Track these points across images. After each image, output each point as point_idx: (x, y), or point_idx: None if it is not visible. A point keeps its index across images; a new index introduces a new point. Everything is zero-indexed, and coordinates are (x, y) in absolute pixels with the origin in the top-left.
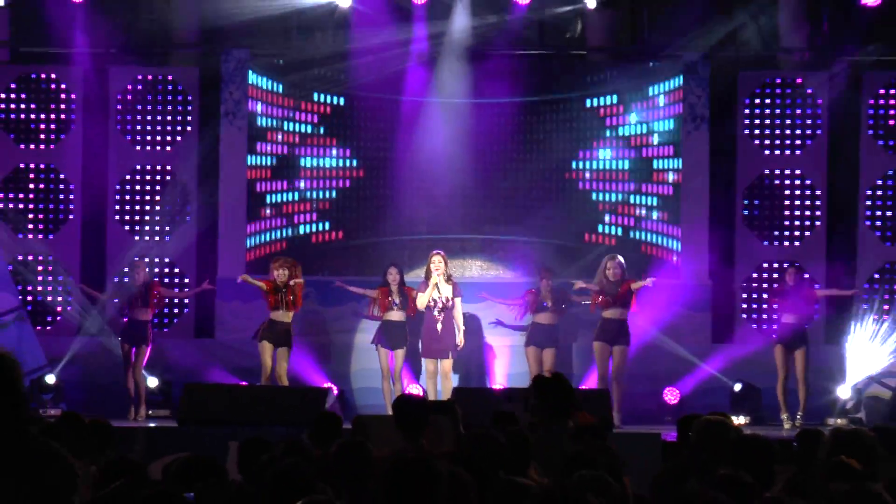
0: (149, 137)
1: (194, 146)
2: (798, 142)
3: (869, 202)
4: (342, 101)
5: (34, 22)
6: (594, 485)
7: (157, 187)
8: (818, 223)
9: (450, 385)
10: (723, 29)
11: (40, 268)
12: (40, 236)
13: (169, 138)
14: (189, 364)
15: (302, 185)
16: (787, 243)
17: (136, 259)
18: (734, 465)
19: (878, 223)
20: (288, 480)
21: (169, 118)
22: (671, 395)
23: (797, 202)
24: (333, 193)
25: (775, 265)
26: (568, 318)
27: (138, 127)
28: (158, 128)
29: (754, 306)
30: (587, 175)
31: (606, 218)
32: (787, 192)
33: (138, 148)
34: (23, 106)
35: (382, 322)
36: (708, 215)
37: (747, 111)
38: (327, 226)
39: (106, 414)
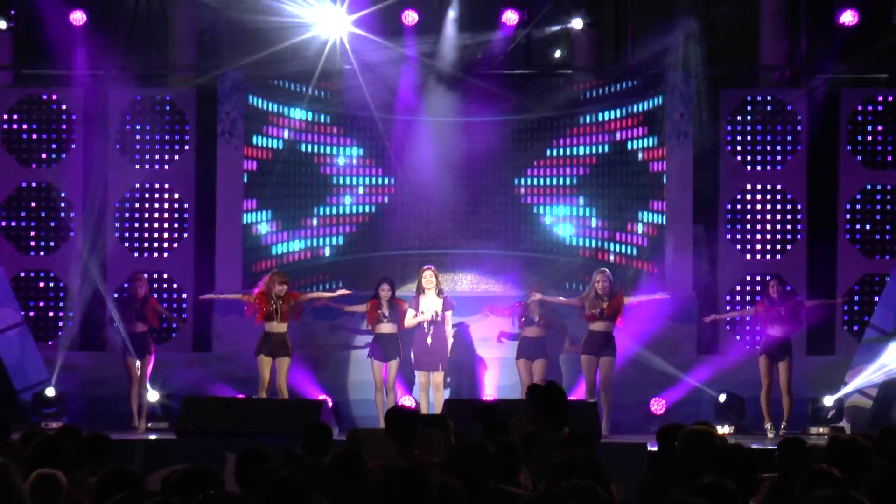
0: (147, 156)
1: (192, 165)
2: (779, 157)
3: (848, 216)
4: (336, 120)
5: (36, 45)
6: (582, 493)
7: (156, 205)
8: (799, 236)
9: (441, 397)
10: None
11: (42, 284)
12: (42, 254)
13: (167, 157)
14: (187, 377)
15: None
16: (769, 256)
17: (137, 272)
18: (718, 473)
19: (858, 236)
20: (284, 490)
21: (167, 137)
22: (657, 406)
23: (779, 216)
24: (328, 210)
25: (758, 277)
26: (558, 329)
27: (137, 146)
28: (157, 147)
29: (738, 318)
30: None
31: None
32: (769, 206)
33: (137, 167)
34: (24, 126)
35: (375, 335)
36: (692, 229)
37: (729, 127)
38: (322, 241)
39: (107, 426)
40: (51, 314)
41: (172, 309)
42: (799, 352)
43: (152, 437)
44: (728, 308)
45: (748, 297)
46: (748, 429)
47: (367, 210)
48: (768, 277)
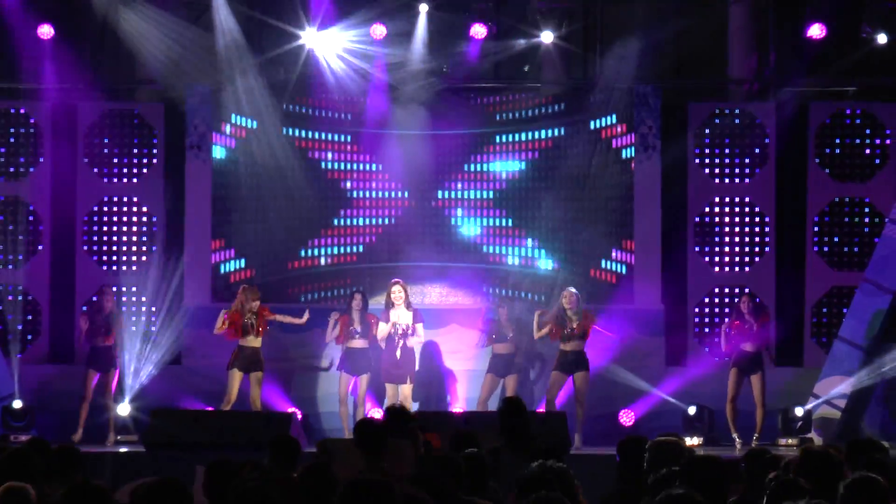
0: (116, 170)
1: (160, 178)
2: (747, 170)
3: (816, 228)
4: (306, 134)
5: (4, 58)
6: None
7: (125, 219)
8: (767, 249)
9: (409, 409)
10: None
11: (10, 297)
12: (10, 267)
13: (136, 171)
14: (156, 390)
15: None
16: (737, 269)
17: (105, 286)
18: (686, 485)
19: (826, 249)
20: (252, 502)
21: (135, 151)
22: (626, 417)
23: (747, 229)
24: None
25: (726, 290)
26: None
27: (105, 160)
28: (125, 160)
29: (706, 330)
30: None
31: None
32: (737, 219)
33: (105, 180)
34: None
35: (346, 349)
36: (660, 242)
37: (697, 140)
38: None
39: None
40: (20, 327)
41: (141, 322)
42: (767, 363)
43: (122, 449)
44: (696, 320)
45: (716, 310)
46: (717, 440)
47: (347, 223)
48: (739, 293)
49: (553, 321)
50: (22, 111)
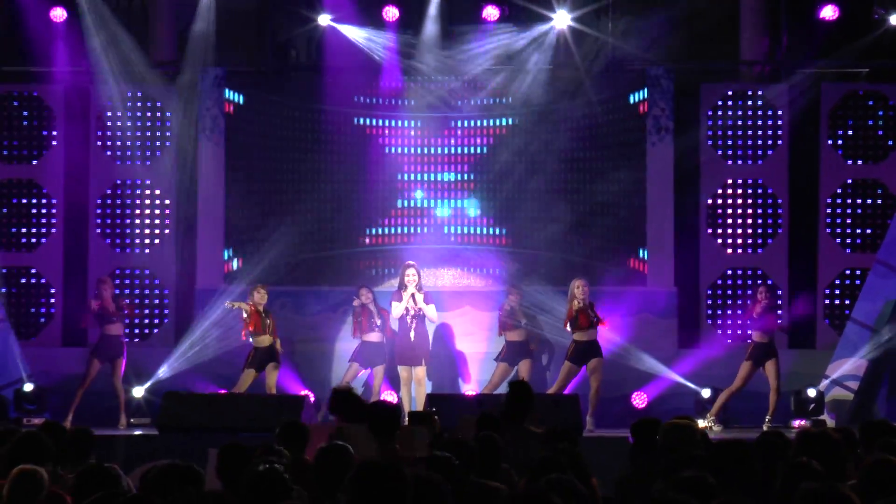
0: (128, 153)
1: (173, 161)
2: (759, 152)
3: (829, 210)
4: (315, 115)
5: (16, 41)
6: (562, 488)
7: (137, 201)
8: (780, 231)
9: (423, 391)
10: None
11: (24, 280)
12: (24, 250)
13: (148, 153)
14: (169, 373)
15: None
16: (749, 251)
17: (102, 276)
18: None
19: (839, 230)
20: (265, 485)
21: (148, 134)
22: (639, 400)
23: (760, 210)
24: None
25: (739, 272)
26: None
27: (118, 143)
28: (138, 143)
29: (719, 312)
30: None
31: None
32: (750, 200)
33: (118, 163)
34: (5, 123)
35: (361, 342)
36: (673, 224)
37: (710, 122)
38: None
39: (89, 422)
40: (32, 310)
41: (154, 305)
42: (780, 346)
43: (135, 432)
44: (709, 301)
45: (729, 292)
46: (729, 422)
47: (348, 205)
48: (752, 274)
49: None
50: (35, 94)
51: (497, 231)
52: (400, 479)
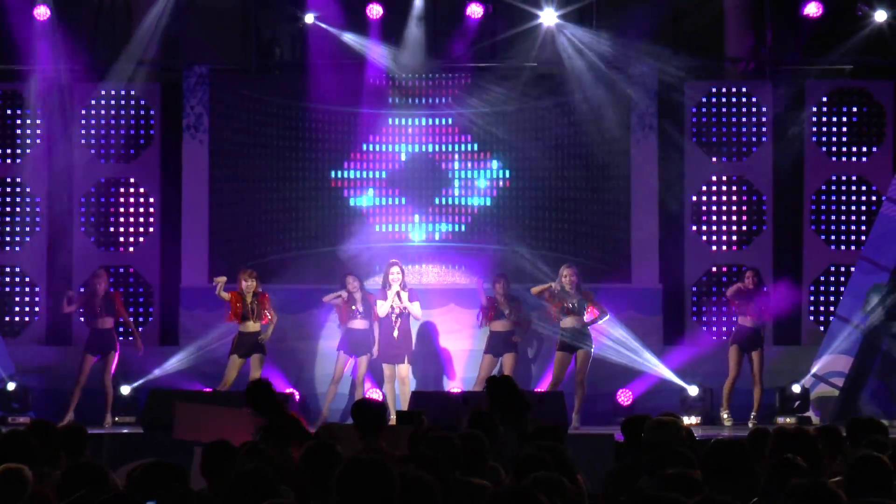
0: (112, 151)
1: (157, 159)
2: (744, 149)
3: (813, 207)
4: (302, 114)
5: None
6: (548, 485)
7: (122, 200)
8: (765, 227)
9: (408, 390)
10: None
11: (7, 279)
12: (7, 249)
13: (132, 151)
14: (154, 371)
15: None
16: (734, 247)
17: (98, 269)
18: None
19: (823, 227)
20: (250, 484)
21: (132, 132)
22: (624, 397)
23: (744, 207)
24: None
25: (724, 269)
26: (524, 323)
27: (102, 141)
28: (122, 141)
29: (704, 308)
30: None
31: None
32: (734, 197)
33: (102, 161)
34: None
35: (346, 330)
36: (658, 221)
37: (694, 120)
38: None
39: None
40: (16, 309)
41: (139, 304)
42: (765, 342)
43: (121, 430)
44: (694, 299)
45: (714, 289)
46: (715, 419)
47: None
48: (745, 268)
49: (551, 296)
50: (19, 92)
51: (479, 228)
52: (386, 476)
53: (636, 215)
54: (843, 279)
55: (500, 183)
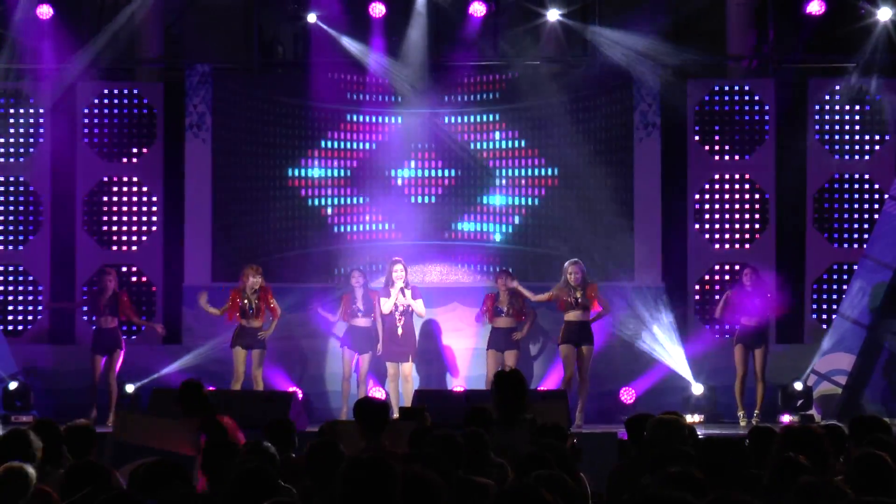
0: (115, 150)
1: (160, 158)
2: (747, 147)
3: (816, 205)
4: (303, 111)
5: (2, 39)
6: (551, 483)
7: (124, 199)
8: (767, 225)
9: (411, 388)
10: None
11: (11, 277)
12: (10, 247)
13: (135, 150)
14: (157, 370)
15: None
16: (737, 245)
17: (106, 266)
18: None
19: (826, 225)
20: (252, 482)
21: (135, 131)
22: (627, 395)
23: (747, 205)
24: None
25: (726, 267)
26: (527, 318)
27: (105, 140)
28: (125, 141)
29: (707, 307)
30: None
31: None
32: (738, 195)
33: (105, 160)
34: None
35: (349, 326)
36: (660, 219)
37: (697, 117)
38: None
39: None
40: (20, 307)
41: (142, 301)
42: (769, 340)
43: None
44: (697, 297)
45: (716, 287)
46: (718, 417)
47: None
48: (740, 269)
49: (557, 292)
50: (22, 91)
51: (483, 227)
52: (389, 474)
53: (639, 213)
54: (845, 277)
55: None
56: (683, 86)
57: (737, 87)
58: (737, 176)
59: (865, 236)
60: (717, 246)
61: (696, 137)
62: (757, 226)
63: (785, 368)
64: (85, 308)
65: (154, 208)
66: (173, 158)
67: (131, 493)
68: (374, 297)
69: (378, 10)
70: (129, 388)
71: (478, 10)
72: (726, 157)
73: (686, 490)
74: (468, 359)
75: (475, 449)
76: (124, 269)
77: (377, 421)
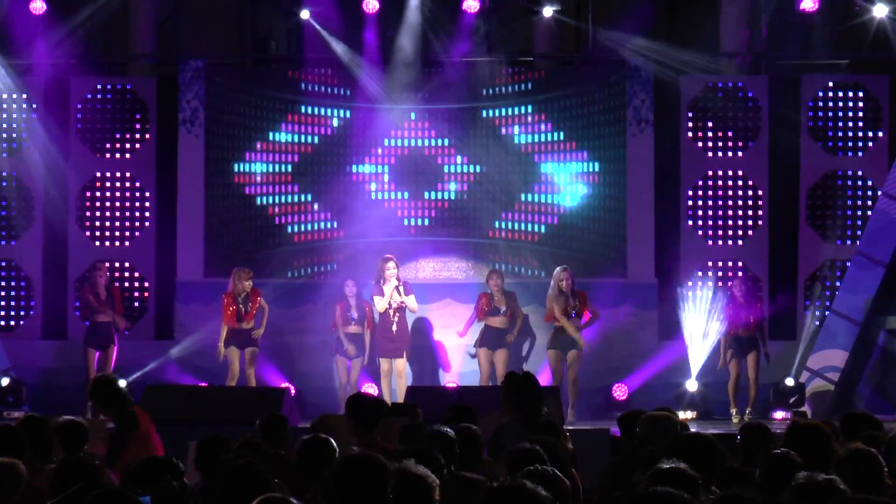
0: (108, 145)
1: (153, 153)
2: (740, 143)
3: (809, 202)
4: (300, 109)
5: None
6: (543, 480)
7: (117, 194)
8: (760, 222)
9: (404, 384)
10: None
11: (3, 273)
12: (3, 243)
13: (128, 146)
14: (149, 365)
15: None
16: (730, 242)
17: (98, 262)
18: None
19: (819, 222)
20: (244, 478)
21: (128, 126)
22: (620, 392)
23: (740, 202)
24: (292, 198)
25: (720, 263)
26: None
27: (98, 135)
28: (118, 136)
29: (700, 304)
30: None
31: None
32: (730, 192)
33: (98, 155)
34: None
35: (343, 334)
36: (653, 215)
37: (690, 113)
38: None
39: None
40: (12, 303)
41: (134, 298)
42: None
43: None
44: (690, 294)
45: (710, 284)
46: (710, 414)
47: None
48: (730, 282)
49: (553, 303)
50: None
51: (476, 223)
52: (382, 470)
53: (632, 209)
54: (838, 274)
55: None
56: (677, 82)
57: (730, 84)
58: (730, 172)
59: (858, 233)
60: (710, 242)
61: (690, 134)
62: (750, 222)
63: (778, 366)
64: (77, 303)
65: (147, 203)
66: (166, 154)
67: (122, 489)
68: (367, 307)
69: (371, 5)
70: (122, 383)
71: (471, 5)
72: (720, 154)
73: (679, 487)
74: (461, 355)
75: (469, 446)
76: (117, 264)
77: (370, 417)
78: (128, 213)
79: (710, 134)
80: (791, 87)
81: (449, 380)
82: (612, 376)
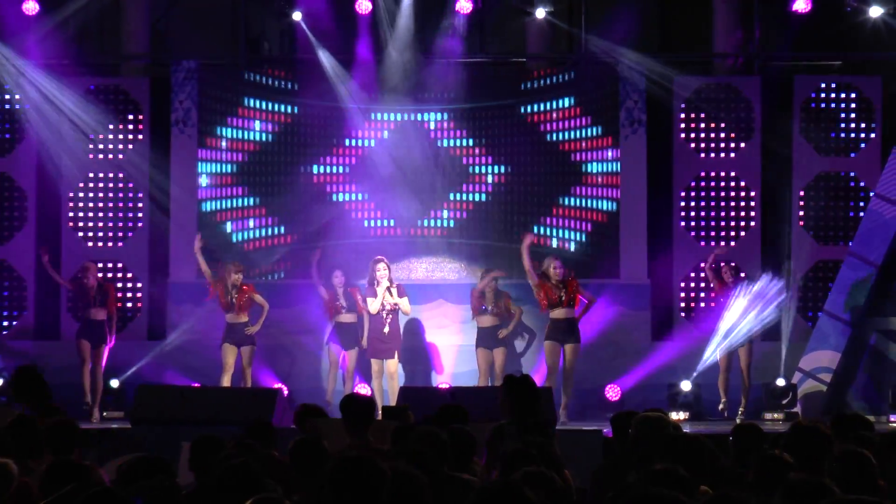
0: (101, 145)
1: (146, 154)
2: (732, 144)
3: (802, 202)
4: (294, 110)
5: None
6: (536, 480)
7: (110, 194)
8: (753, 223)
9: (396, 385)
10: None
11: None
12: None
13: (121, 146)
14: (142, 365)
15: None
16: (722, 243)
17: (87, 263)
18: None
19: (811, 223)
20: (238, 478)
21: (121, 126)
22: (612, 392)
23: (732, 203)
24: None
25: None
26: (510, 316)
27: (90, 136)
28: (111, 136)
29: (692, 305)
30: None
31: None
32: (723, 193)
33: (91, 156)
34: None
35: (335, 323)
36: (646, 216)
37: (683, 115)
38: (282, 230)
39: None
40: (6, 303)
41: (127, 298)
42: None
43: (110, 426)
44: (682, 294)
45: (702, 284)
46: (703, 415)
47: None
48: (722, 263)
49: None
50: (7, 87)
51: (469, 224)
52: (376, 472)
53: (624, 210)
54: (831, 275)
55: (491, 178)
56: (669, 83)
57: (723, 85)
58: (723, 173)
59: (850, 234)
60: (702, 243)
61: (682, 135)
62: (742, 223)
63: (769, 367)
64: (69, 304)
65: (140, 204)
66: (159, 154)
67: (114, 490)
68: (354, 293)
69: (364, 6)
70: (115, 383)
71: (464, 6)
72: (712, 155)
73: (672, 487)
74: (453, 355)
75: (460, 446)
76: (110, 264)
77: (363, 418)
78: (121, 214)
79: (702, 135)
80: (784, 87)
81: (442, 380)
82: (604, 377)
